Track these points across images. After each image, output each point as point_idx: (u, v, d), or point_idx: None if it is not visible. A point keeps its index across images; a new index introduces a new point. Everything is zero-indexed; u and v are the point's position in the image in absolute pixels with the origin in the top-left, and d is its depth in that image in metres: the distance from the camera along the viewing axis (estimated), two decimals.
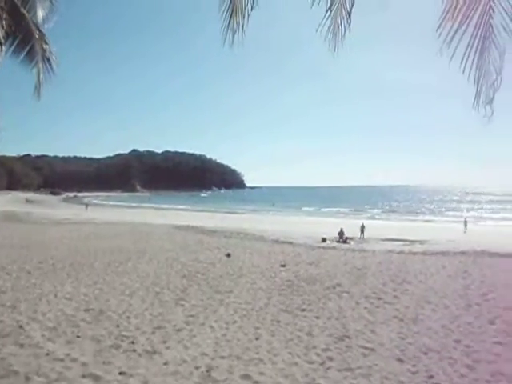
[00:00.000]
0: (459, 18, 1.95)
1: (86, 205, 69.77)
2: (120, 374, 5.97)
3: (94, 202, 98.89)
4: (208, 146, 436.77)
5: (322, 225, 35.98)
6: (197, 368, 6.22)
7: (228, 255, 16.92)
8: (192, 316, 8.84)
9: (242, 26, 2.75)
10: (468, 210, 65.30)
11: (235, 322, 8.50)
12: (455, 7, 1.95)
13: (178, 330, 7.92)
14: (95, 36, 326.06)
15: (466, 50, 1.93)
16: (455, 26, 1.93)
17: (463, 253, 18.58)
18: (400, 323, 8.45)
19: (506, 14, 1.90)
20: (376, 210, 66.89)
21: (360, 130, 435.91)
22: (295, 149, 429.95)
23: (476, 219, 47.69)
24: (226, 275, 13.12)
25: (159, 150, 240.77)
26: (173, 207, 74.77)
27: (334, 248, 20.94)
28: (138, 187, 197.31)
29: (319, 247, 21.07)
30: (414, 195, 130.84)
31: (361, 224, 27.89)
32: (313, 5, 2.56)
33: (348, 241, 24.19)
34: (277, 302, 9.98)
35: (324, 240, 23.88)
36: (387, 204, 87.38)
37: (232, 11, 2.69)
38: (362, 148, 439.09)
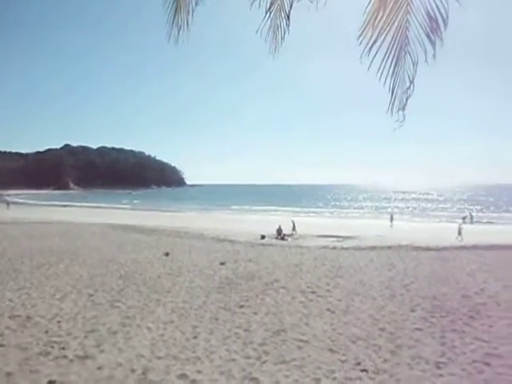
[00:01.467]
0: (378, 28, 2.11)
1: (8, 203, 62.86)
2: (49, 382, 5.68)
3: (20, 200, 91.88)
4: (148, 144, 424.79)
5: (262, 222, 36.49)
6: (132, 371, 6.09)
7: (166, 254, 16.62)
8: (128, 317, 8.60)
9: (187, 23, 2.75)
10: (394, 208, 69.57)
11: (173, 321, 8.41)
12: (375, 19, 2.11)
13: (113, 333, 7.68)
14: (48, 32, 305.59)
15: (384, 58, 2.09)
16: (374, 36, 2.09)
17: (390, 247, 19.81)
18: (332, 315, 8.88)
19: (421, 27, 2.08)
20: (313, 208, 69.10)
21: (298, 126, 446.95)
22: (235, 145, 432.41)
23: (402, 216, 51.07)
24: (164, 275, 12.89)
25: (94, 146, 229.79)
26: (108, 206, 71.50)
27: (272, 245, 21.37)
28: (71, 185, 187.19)
29: (258, 244, 21.37)
30: (348, 193, 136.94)
31: (291, 221, 28.64)
32: (252, 5, 2.62)
33: (286, 237, 24.81)
34: (215, 300, 10.01)
35: (263, 237, 24.28)
36: (323, 202, 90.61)
37: (176, 7, 2.67)
38: (299, 144, 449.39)
